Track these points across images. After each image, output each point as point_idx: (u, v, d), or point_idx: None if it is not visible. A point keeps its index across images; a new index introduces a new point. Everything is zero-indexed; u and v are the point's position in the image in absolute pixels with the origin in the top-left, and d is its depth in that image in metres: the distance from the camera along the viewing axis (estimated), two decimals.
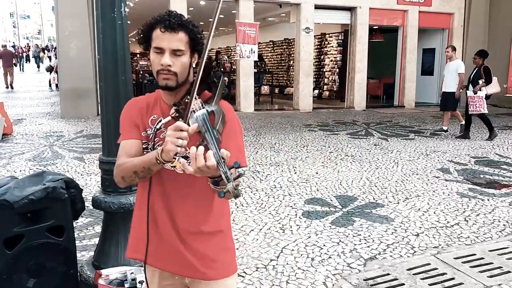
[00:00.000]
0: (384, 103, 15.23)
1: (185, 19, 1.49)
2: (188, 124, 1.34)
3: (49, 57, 32.44)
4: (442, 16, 14.26)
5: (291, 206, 4.69)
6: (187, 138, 1.31)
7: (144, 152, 1.55)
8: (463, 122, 9.07)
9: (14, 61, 19.53)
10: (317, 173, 6.04)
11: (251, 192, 5.15)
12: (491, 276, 3.20)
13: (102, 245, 2.84)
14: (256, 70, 13.55)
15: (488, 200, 4.97)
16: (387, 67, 15.25)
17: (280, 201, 4.86)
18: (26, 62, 34.53)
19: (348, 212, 4.55)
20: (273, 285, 3.07)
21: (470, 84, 8.72)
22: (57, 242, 2.65)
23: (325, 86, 16.95)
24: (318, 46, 16.98)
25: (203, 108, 1.37)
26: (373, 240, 3.84)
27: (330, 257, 3.50)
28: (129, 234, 1.72)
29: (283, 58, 19.11)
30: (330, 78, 16.76)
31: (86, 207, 3.01)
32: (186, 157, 1.39)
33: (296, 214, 4.46)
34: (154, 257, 1.59)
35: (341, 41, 15.83)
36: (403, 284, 3.09)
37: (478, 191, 5.31)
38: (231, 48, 19.87)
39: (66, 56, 10.74)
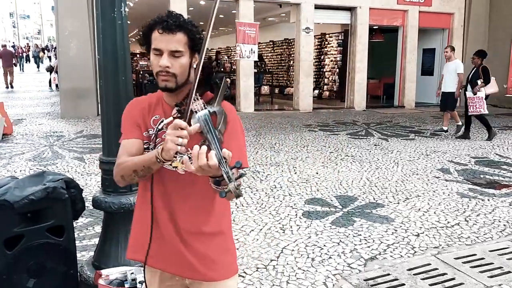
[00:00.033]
0: (384, 103, 15.23)
1: (183, 20, 1.48)
2: (190, 124, 1.34)
3: (49, 57, 32.44)
4: (442, 16, 14.26)
5: (291, 206, 4.69)
6: (187, 137, 1.31)
7: (145, 152, 1.55)
8: (460, 123, 9.09)
9: (14, 61, 19.54)
10: (317, 173, 6.04)
11: (251, 192, 5.14)
12: (491, 277, 3.20)
13: (102, 245, 2.84)
14: (256, 70, 13.54)
15: (488, 200, 4.97)
16: (387, 67, 15.25)
17: (280, 201, 4.86)
18: (26, 62, 34.52)
19: (348, 212, 4.55)
20: (274, 285, 3.07)
21: (469, 84, 8.73)
22: (57, 242, 2.64)
23: (325, 86, 16.95)
24: (318, 46, 16.98)
25: (205, 108, 1.37)
26: (374, 240, 3.84)
27: (330, 257, 3.50)
28: (129, 234, 1.72)
29: (283, 58, 19.10)
30: (330, 78, 16.76)
31: (86, 207, 3.01)
32: (189, 158, 1.39)
33: (296, 214, 4.46)
34: (155, 258, 1.58)
35: (341, 41, 15.83)
36: (403, 285, 3.08)
37: (478, 191, 5.30)
38: (231, 48, 19.87)
39: (66, 56, 10.73)
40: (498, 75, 9.66)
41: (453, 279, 3.17)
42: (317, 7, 12.69)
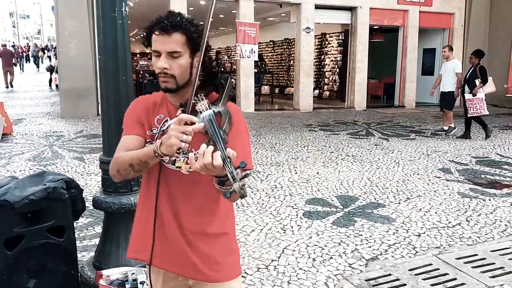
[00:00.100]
0: (385, 103, 15.22)
1: (179, 19, 1.46)
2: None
3: (49, 57, 32.42)
4: (442, 16, 14.25)
5: (292, 206, 4.68)
6: (192, 133, 1.30)
7: None
8: (453, 125, 9.10)
9: (14, 61, 19.53)
10: (318, 173, 6.03)
11: (252, 192, 5.13)
12: (493, 277, 3.19)
13: (102, 245, 2.83)
14: (256, 70, 13.53)
15: (489, 200, 4.96)
16: (388, 67, 15.24)
17: (281, 201, 4.85)
18: (26, 62, 34.50)
19: (349, 212, 4.54)
20: (275, 285, 3.06)
21: (466, 84, 8.73)
22: (58, 243, 2.63)
23: (325, 86, 16.95)
24: (319, 46, 16.97)
25: (210, 109, 1.37)
26: (375, 241, 3.83)
27: (331, 258, 3.49)
28: (129, 234, 1.71)
29: (283, 58, 19.10)
30: (330, 78, 16.76)
31: (86, 207, 3.00)
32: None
33: (297, 215, 4.45)
34: (159, 257, 1.57)
35: (341, 41, 15.82)
36: (405, 285, 3.08)
37: (479, 191, 5.29)
38: (231, 48, 19.86)
39: (66, 56, 10.72)
40: (498, 75, 9.66)
41: (455, 279, 3.16)
42: (318, 7, 12.68)
